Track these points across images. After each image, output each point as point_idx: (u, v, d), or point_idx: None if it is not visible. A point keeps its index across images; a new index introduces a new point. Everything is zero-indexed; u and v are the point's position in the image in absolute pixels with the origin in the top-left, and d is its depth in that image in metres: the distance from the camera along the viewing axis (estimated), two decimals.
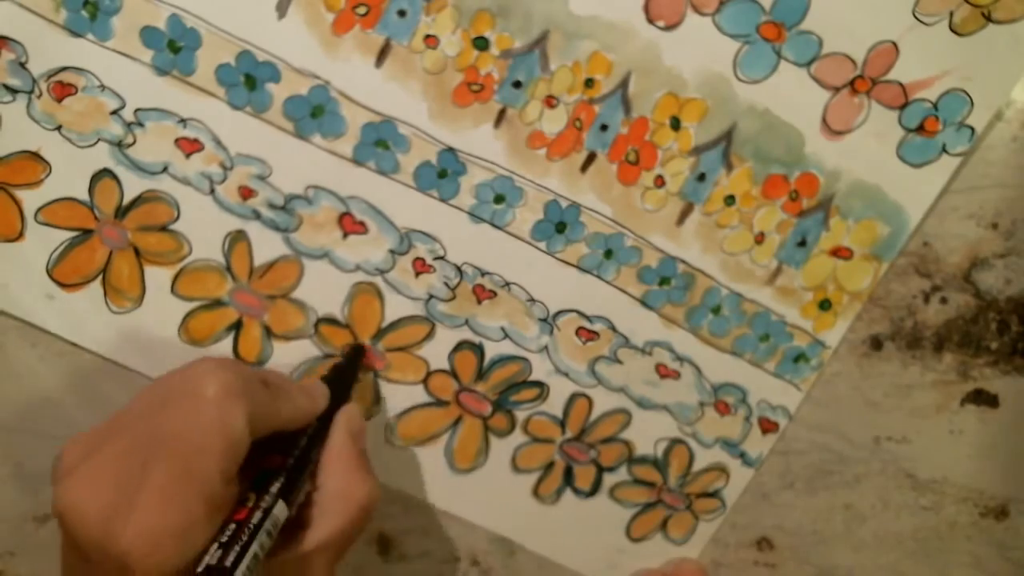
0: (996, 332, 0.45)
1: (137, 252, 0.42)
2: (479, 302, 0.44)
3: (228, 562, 0.30)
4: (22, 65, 0.40)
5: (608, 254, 0.43)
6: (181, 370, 0.34)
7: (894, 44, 0.41)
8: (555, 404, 0.45)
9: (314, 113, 0.41)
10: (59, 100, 0.40)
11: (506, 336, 0.44)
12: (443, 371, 0.45)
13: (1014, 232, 0.44)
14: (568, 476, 0.47)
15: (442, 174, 0.42)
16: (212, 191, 0.42)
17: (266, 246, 0.42)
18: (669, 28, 0.40)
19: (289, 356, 0.44)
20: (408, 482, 0.46)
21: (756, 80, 0.41)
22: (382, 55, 0.40)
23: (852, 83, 0.41)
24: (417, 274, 0.43)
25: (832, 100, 0.42)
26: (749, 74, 0.41)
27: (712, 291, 0.44)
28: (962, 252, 0.44)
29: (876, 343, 0.45)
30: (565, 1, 0.40)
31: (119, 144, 0.41)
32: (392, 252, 0.43)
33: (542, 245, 0.43)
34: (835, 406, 0.46)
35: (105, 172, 0.41)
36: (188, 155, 0.41)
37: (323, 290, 0.43)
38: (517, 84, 0.41)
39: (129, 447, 0.31)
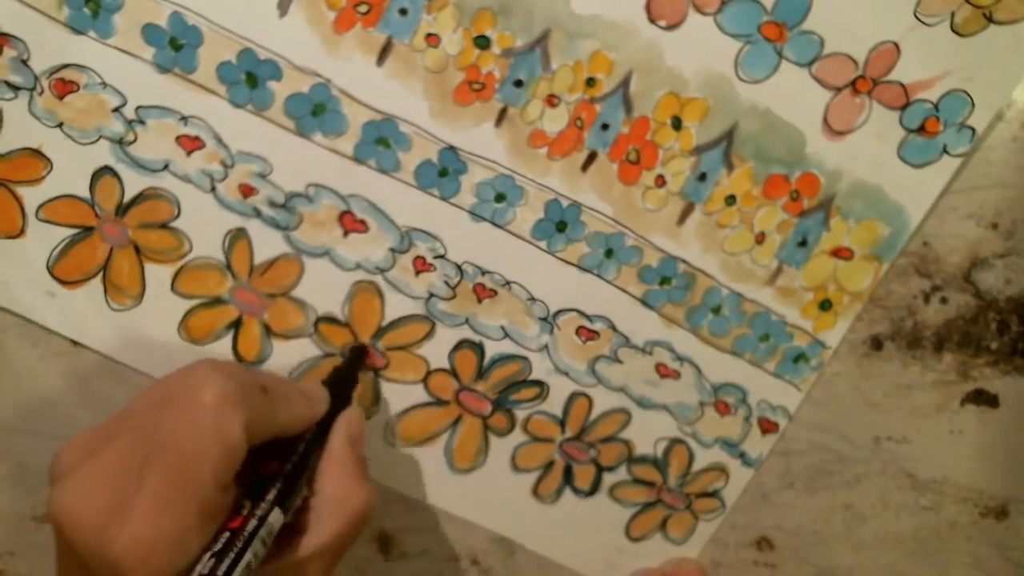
0: (996, 332, 0.45)
1: (137, 249, 0.42)
2: (479, 301, 0.44)
3: (220, 572, 0.30)
4: (24, 62, 0.40)
5: (609, 253, 0.43)
6: (180, 373, 0.34)
7: (895, 44, 0.41)
8: (555, 403, 0.45)
9: (315, 111, 0.41)
10: (60, 97, 0.40)
11: (506, 335, 0.44)
12: (443, 370, 0.45)
13: (1014, 232, 0.44)
14: (568, 475, 0.47)
15: (443, 173, 0.42)
16: (213, 189, 0.42)
17: (266, 244, 0.42)
18: (671, 28, 0.40)
19: (288, 355, 0.44)
20: (408, 482, 0.46)
21: (757, 80, 0.41)
22: (383, 53, 0.40)
23: (853, 83, 0.41)
24: (417, 273, 0.43)
25: (833, 100, 0.42)
26: (750, 74, 0.41)
27: (712, 291, 0.44)
28: (962, 252, 0.44)
29: (876, 343, 0.45)
30: (567, 0, 0.40)
31: (120, 141, 0.41)
32: (392, 251, 0.43)
33: (543, 244, 0.43)
34: (835, 406, 0.46)
35: (106, 169, 0.41)
36: (189, 153, 0.41)
37: (323, 288, 0.43)
38: (518, 83, 0.41)
39: (126, 451, 0.31)
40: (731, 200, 0.43)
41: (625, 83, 0.41)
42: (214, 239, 0.42)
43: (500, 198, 0.42)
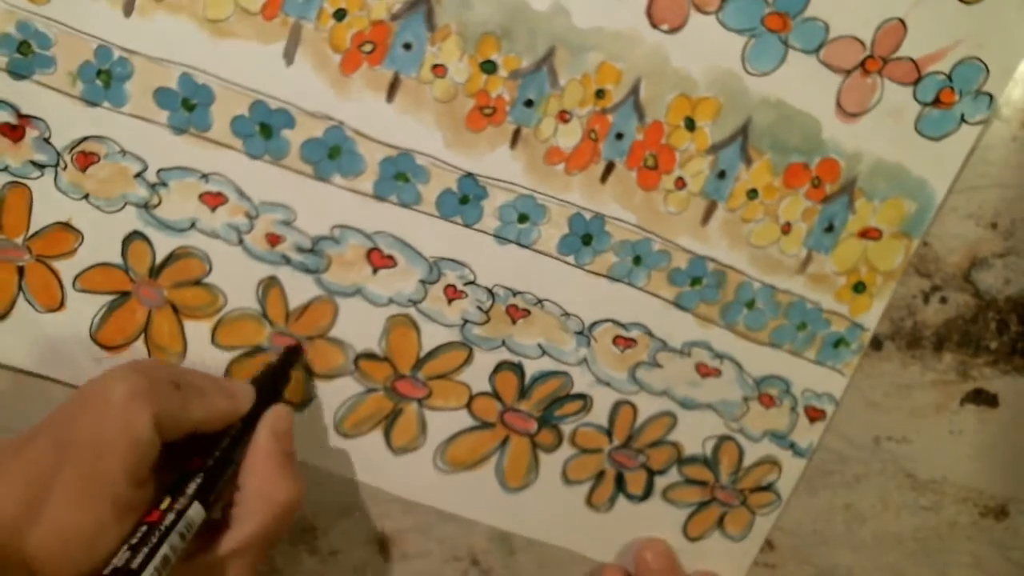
0: (996, 332, 0.45)
1: (175, 309, 0.43)
2: (514, 322, 0.44)
3: (135, 564, 0.30)
4: (46, 140, 0.41)
5: (637, 260, 0.43)
6: (96, 376, 0.35)
7: (901, 21, 0.40)
8: (599, 414, 0.46)
9: (331, 154, 0.41)
10: (83, 169, 0.41)
11: (544, 353, 0.44)
12: (485, 393, 0.45)
13: (1013, 232, 0.44)
14: (620, 483, 0.47)
15: (464, 200, 0.42)
16: (240, 241, 0.42)
17: (299, 289, 0.43)
18: (674, 30, 0.40)
19: (333, 394, 0.44)
20: (463, 506, 0.46)
21: (766, 72, 0.41)
22: (392, 89, 0.41)
23: (863, 64, 0.41)
24: (450, 301, 0.43)
25: (844, 83, 0.41)
26: (758, 67, 0.41)
27: (744, 286, 0.44)
28: (961, 252, 0.44)
29: (876, 343, 0.45)
30: (568, 16, 0.40)
31: (145, 206, 0.42)
32: (423, 282, 0.43)
33: (570, 259, 0.43)
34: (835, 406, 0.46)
35: (135, 234, 0.42)
36: (213, 209, 0.42)
37: (359, 326, 0.44)
38: (529, 103, 0.41)
39: (41, 451, 0.32)
40: (753, 194, 0.43)
41: (635, 91, 0.41)
42: (247, 290, 0.43)
43: (523, 218, 0.42)
